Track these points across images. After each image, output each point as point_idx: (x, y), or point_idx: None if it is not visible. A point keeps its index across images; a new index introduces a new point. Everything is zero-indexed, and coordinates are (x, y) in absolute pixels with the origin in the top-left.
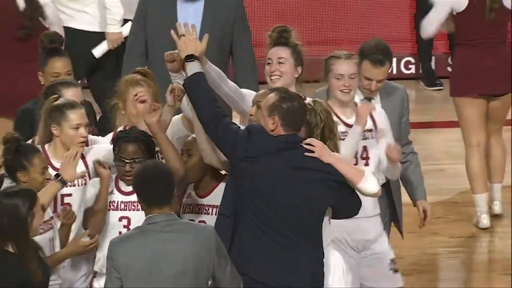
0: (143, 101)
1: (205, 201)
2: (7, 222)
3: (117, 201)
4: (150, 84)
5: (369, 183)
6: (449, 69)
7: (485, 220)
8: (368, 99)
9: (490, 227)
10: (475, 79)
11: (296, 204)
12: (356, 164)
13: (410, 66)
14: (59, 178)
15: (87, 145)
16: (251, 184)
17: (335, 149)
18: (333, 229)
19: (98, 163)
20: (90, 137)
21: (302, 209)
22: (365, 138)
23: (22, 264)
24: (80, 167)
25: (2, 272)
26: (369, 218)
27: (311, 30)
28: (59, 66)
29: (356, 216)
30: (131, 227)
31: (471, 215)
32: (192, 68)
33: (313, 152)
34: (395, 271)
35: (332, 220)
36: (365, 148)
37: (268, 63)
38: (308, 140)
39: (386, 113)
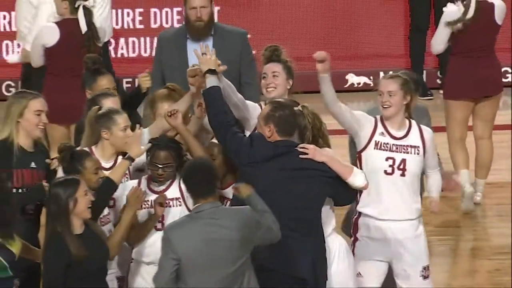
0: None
1: (223, 193)
2: (53, 208)
3: (151, 200)
4: (177, 98)
5: (357, 177)
6: (438, 81)
7: (469, 190)
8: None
9: (473, 213)
10: (467, 87)
11: (296, 202)
12: (392, 173)
13: None
14: (127, 156)
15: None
16: (254, 188)
17: (327, 145)
18: (367, 228)
19: (159, 203)
20: None
21: (302, 206)
22: (406, 152)
23: (66, 243)
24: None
25: (53, 250)
26: (402, 222)
27: (304, 46)
28: (106, 83)
29: (390, 218)
30: (165, 222)
31: (458, 208)
32: (211, 81)
33: (306, 154)
34: (425, 277)
35: (367, 220)
36: (403, 161)
37: (264, 77)
38: (301, 145)
39: None
